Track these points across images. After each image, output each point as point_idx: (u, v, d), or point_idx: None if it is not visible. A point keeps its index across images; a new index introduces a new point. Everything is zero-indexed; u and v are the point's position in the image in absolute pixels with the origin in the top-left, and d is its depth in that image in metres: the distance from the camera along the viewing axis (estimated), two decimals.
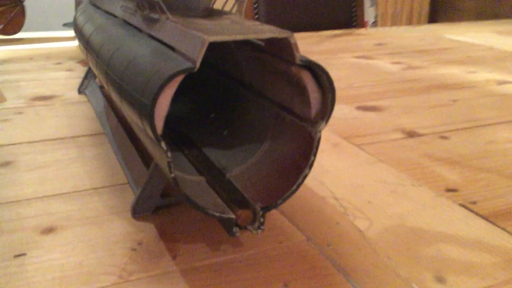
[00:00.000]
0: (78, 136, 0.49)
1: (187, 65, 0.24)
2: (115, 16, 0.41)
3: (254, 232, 0.28)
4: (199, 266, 0.29)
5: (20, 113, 0.56)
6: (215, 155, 0.36)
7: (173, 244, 0.31)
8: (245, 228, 0.29)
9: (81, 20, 0.48)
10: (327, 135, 0.50)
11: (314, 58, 0.94)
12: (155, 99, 0.24)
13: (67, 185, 0.39)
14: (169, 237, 0.32)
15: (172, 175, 0.25)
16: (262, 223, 0.28)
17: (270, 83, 0.32)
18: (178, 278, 0.28)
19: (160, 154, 0.26)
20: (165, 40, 0.29)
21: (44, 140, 0.48)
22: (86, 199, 0.37)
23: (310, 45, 0.98)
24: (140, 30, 0.34)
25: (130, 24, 0.37)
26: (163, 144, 0.25)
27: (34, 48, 0.92)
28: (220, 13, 0.33)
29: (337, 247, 0.31)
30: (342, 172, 0.42)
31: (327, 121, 0.28)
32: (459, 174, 0.42)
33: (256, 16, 1.44)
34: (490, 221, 0.34)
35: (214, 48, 0.43)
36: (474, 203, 0.37)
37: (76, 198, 0.37)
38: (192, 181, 0.31)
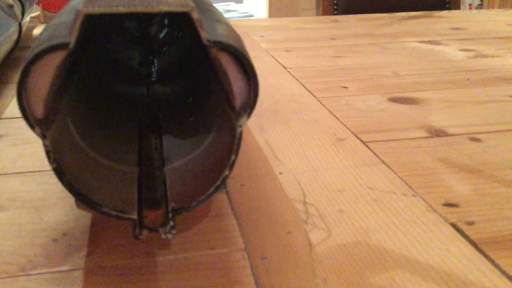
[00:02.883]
0: None
1: (60, 40, 0.21)
2: None
3: (163, 236, 0.25)
4: (108, 266, 0.26)
5: None
6: (170, 144, 0.33)
7: (97, 238, 0.29)
8: (156, 230, 0.25)
9: None
10: (336, 127, 0.45)
11: (372, 41, 0.87)
12: (21, 80, 0.21)
13: (36, 164, 0.38)
14: (98, 230, 0.30)
15: (53, 165, 0.22)
16: (172, 227, 0.25)
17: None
18: (78, 279, 0.26)
19: None
20: None
21: None
22: (44, 180, 0.35)
23: (374, 27, 0.90)
24: None
25: None
26: (37, 131, 0.22)
27: None
28: None
29: (272, 261, 0.27)
30: (328, 173, 0.36)
31: (249, 115, 0.24)
32: (471, 186, 0.34)
33: None
34: (478, 249, 0.27)
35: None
36: (471, 223, 0.30)
37: (35, 178, 0.36)
38: (119, 172, 0.28)
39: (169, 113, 0.38)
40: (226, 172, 0.25)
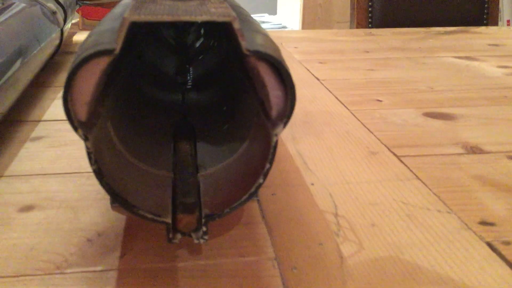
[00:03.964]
0: None
1: (106, 46, 0.22)
2: None
3: (195, 241, 0.25)
4: (141, 268, 0.27)
5: None
6: (204, 151, 0.33)
7: (131, 240, 0.29)
8: (189, 235, 0.26)
9: None
10: (370, 141, 0.44)
11: (407, 55, 0.87)
12: (68, 83, 0.22)
13: (73, 165, 0.39)
14: (131, 232, 0.30)
15: (93, 167, 0.23)
16: (205, 232, 0.25)
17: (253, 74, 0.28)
18: (112, 279, 0.26)
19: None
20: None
21: None
22: (81, 181, 0.36)
23: (410, 41, 0.89)
24: None
25: None
26: (80, 133, 0.22)
27: None
28: None
29: (302, 272, 0.27)
30: (360, 186, 0.36)
31: (285, 125, 0.24)
32: (507, 205, 0.34)
33: (370, 8, 1.36)
34: None
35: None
36: (508, 243, 0.29)
37: (72, 179, 0.37)
38: (155, 176, 0.29)
39: (203, 120, 0.39)
40: (261, 181, 0.25)
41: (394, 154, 0.42)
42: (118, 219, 0.32)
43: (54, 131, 0.46)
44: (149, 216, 0.24)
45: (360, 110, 0.53)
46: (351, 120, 0.50)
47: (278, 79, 0.24)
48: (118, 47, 0.21)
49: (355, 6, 1.37)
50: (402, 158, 0.41)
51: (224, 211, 0.25)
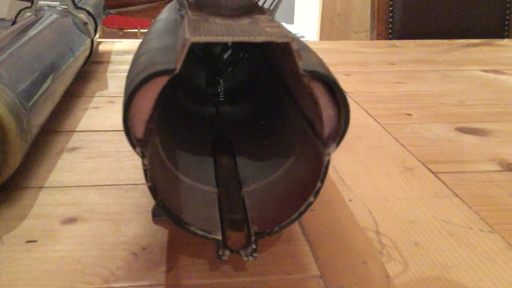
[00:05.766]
0: None
1: (167, 66, 0.22)
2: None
3: (244, 258, 0.25)
4: (187, 284, 0.27)
5: (111, 102, 0.59)
6: (245, 165, 0.33)
7: (175, 255, 0.29)
8: (237, 252, 0.26)
9: (161, 12, 0.49)
10: (404, 156, 0.44)
11: (432, 68, 0.86)
12: (128, 101, 0.22)
13: (111, 177, 0.39)
14: (175, 247, 0.30)
15: (149, 183, 0.23)
16: (254, 250, 0.25)
17: (300, 92, 0.29)
18: None
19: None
20: (178, 37, 0.27)
21: (115, 131, 0.49)
22: (120, 193, 0.37)
23: (434, 53, 0.89)
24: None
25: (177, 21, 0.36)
26: (138, 150, 0.23)
27: None
28: (255, 12, 0.30)
29: None
30: (400, 203, 0.36)
31: (338, 144, 0.24)
32: None
33: (391, 19, 1.36)
34: None
35: (269, 50, 0.40)
36: None
37: (112, 191, 0.37)
38: (201, 192, 0.29)
39: (240, 134, 0.39)
40: (311, 199, 0.25)
41: (430, 170, 0.41)
42: (161, 232, 0.32)
43: (90, 142, 0.46)
44: (200, 233, 0.25)
45: (390, 124, 0.53)
46: (383, 134, 0.50)
47: (331, 98, 0.24)
48: (178, 66, 0.21)
49: (376, 17, 1.37)
50: (438, 175, 0.41)
51: (274, 229, 0.25)
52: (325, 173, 0.24)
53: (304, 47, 0.26)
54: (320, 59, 0.26)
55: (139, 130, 0.23)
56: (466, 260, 0.29)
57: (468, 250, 0.30)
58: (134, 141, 0.23)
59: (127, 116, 0.22)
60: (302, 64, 0.22)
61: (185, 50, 0.21)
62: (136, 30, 2.14)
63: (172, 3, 0.53)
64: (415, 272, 0.28)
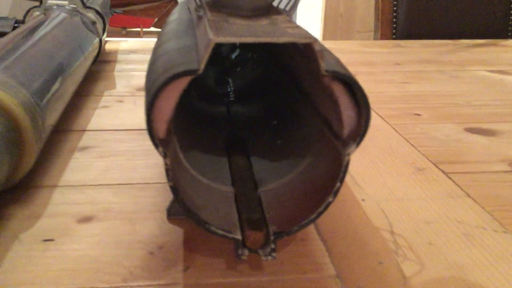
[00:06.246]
0: None
1: (191, 66, 0.22)
2: (191, 13, 0.41)
3: (263, 258, 0.25)
4: (205, 283, 0.27)
5: (120, 101, 0.59)
6: (260, 165, 0.33)
7: (192, 254, 0.30)
8: (256, 252, 0.26)
9: (173, 13, 0.49)
10: (415, 157, 0.44)
11: (439, 68, 0.86)
12: (152, 102, 0.22)
13: (124, 176, 0.39)
14: (191, 246, 0.30)
15: (170, 183, 0.23)
16: (273, 250, 0.25)
17: (317, 93, 0.29)
18: None
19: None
20: (197, 38, 0.27)
21: (127, 130, 0.49)
22: (134, 193, 0.37)
23: (440, 54, 0.89)
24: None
25: (193, 21, 0.36)
26: (160, 150, 0.23)
27: None
28: (273, 13, 0.30)
29: None
30: (412, 203, 0.36)
31: (358, 144, 0.24)
32: None
33: (395, 19, 1.36)
34: None
35: (280, 50, 0.40)
36: None
37: (125, 190, 0.37)
38: (218, 191, 0.29)
39: (253, 133, 0.39)
40: (330, 199, 0.25)
41: (442, 171, 0.42)
42: (176, 231, 0.32)
43: (101, 141, 0.46)
44: (221, 232, 0.25)
45: (400, 124, 0.53)
46: (393, 134, 0.50)
47: (351, 99, 0.24)
48: (202, 67, 0.22)
49: (380, 17, 1.37)
50: (450, 175, 0.41)
51: (293, 228, 0.25)
52: (345, 173, 0.24)
53: (323, 47, 0.26)
54: (338, 59, 0.26)
55: (161, 130, 0.23)
56: (481, 261, 0.30)
57: (483, 250, 0.31)
58: (156, 141, 0.23)
59: (150, 116, 0.22)
60: (325, 65, 0.23)
61: (209, 51, 0.21)
62: (139, 29, 2.14)
63: (182, 3, 0.53)
64: (432, 272, 0.28)
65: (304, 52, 0.26)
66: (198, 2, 0.31)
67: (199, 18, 0.30)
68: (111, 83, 0.66)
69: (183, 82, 0.22)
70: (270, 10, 0.32)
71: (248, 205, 0.28)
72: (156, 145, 0.23)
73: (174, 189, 0.24)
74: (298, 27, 0.25)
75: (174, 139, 0.27)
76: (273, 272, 0.28)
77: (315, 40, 0.22)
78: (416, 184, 0.39)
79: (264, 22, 0.27)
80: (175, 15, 0.43)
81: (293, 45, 0.30)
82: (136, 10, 1.98)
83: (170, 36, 0.31)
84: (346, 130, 0.24)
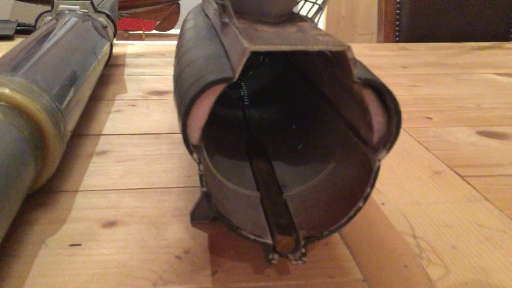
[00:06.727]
0: (174, 133, 0.50)
1: (226, 74, 0.22)
2: (209, 19, 0.41)
3: (294, 262, 0.26)
4: (235, 287, 0.27)
5: (133, 105, 0.59)
6: (282, 170, 0.34)
7: (218, 258, 0.30)
8: (286, 256, 0.26)
9: (187, 19, 0.49)
10: (430, 160, 0.45)
11: (446, 71, 0.86)
12: (188, 109, 0.22)
13: (144, 181, 0.40)
14: (217, 250, 0.31)
15: (204, 189, 0.24)
16: (304, 254, 0.26)
17: (342, 98, 0.29)
18: None
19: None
20: (225, 45, 0.27)
21: (142, 134, 0.50)
22: (156, 197, 0.37)
23: (446, 57, 0.89)
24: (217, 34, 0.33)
25: (214, 28, 0.36)
26: (195, 156, 0.23)
27: (170, 44, 0.98)
28: (296, 20, 0.30)
29: None
30: (432, 207, 0.36)
31: (389, 150, 0.25)
32: None
33: (398, 22, 1.37)
34: None
35: (296, 55, 0.41)
36: None
37: (147, 194, 0.37)
38: (244, 196, 0.30)
39: (271, 138, 0.39)
40: (361, 204, 0.25)
41: (458, 174, 0.42)
42: (201, 236, 0.32)
43: (117, 145, 0.47)
44: (252, 237, 0.25)
45: (412, 128, 0.53)
46: (407, 138, 0.50)
47: (381, 105, 0.24)
48: (237, 75, 0.22)
49: (383, 20, 1.37)
50: (466, 178, 0.41)
51: (323, 233, 0.26)
52: (375, 178, 0.25)
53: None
54: (364, 64, 0.26)
55: (195, 136, 0.23)
56: (505, 264, 0.30)
57: (506, 254, 0.31)
58: (191, 148, 0.23)
59: (185, 123, 0.22)
60: (357, 72, 0.23)
61: (245, 59, 0.22)
62: (141, 32, 2.14)
63: (195, 9, 0.53)
64: (457, 275, 0.29)
65: (333, 59, 0.26)
66: (222, 9, 0.31)
67: (224, 24, 0.31)
68: (122, 87, 0.67)
69: (218, 90, 0.23)
70: (292, 17, 0.32)
71: (276, 209, 0.28)
72: (191, 152, 0.23)
73: (208, 194, 0.24)
74: (327, 34, 0.25)
75: (203, 145, 0.28)
76: (300, 276, 0.29)
77: (348, 47, 0.22)
78: (434, 188, 0.40)
79: (291, 29, 0.27)
80: (191, 22, 0.44)
81: (318, 51, 0.30)
82: (138, 13, 1.98)
83: (193, 44, 0.31)
84: (376, 136, 0.25)
